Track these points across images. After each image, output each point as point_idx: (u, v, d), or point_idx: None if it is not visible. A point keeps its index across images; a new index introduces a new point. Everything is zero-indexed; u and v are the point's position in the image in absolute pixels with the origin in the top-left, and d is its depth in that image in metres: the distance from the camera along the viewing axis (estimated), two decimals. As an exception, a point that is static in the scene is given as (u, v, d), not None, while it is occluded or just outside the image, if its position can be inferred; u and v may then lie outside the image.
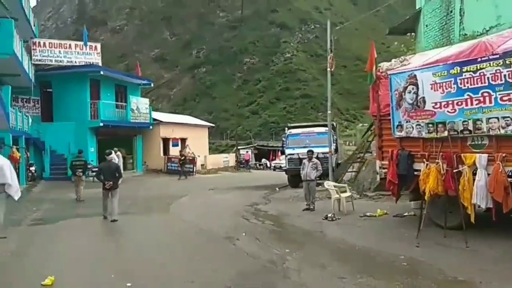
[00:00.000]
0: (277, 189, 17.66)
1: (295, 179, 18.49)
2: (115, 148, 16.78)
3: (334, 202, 9.91)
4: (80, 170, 13.07)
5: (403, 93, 7.59)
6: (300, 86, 75.05)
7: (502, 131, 6.06)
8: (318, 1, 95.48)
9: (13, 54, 14.46)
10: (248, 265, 5.92)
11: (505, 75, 5.92)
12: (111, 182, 9.43)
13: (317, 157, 16.95)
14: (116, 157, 15.15)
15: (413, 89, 7.40)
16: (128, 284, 5.05)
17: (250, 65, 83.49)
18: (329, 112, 16.19)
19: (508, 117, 5.94)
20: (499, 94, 6.03)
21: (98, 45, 23.98)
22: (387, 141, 8.22)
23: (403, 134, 7.71)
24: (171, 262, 6.12)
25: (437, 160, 6.95)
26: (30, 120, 18.42)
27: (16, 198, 7.57)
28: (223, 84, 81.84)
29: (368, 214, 9.23)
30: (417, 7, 15.74)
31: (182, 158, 23.35)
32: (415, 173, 7.53)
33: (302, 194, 14.86)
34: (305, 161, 11.17)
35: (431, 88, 7.06)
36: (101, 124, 20.15)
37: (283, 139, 19.84)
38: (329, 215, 9.30)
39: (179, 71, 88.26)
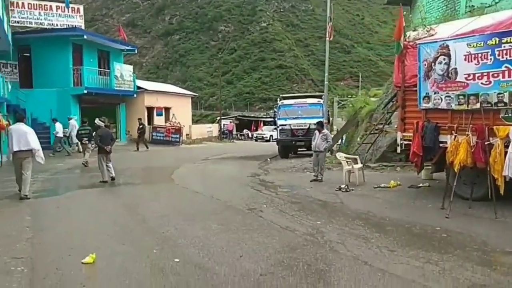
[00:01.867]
0: (268, 159, 17.56)
1: (286, 150, 18.54)
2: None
3: (345, 174, 9.87)
4: (86, 138, 13.85)
5: (433, 64, 7.45)
6: (276, 57, 74.33)
7: (541, 104, 6.05)
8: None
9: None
10: (288, 238, 5.73)
11: (549, 47, 5.84)
12: (109, 147, 10.63)
13: (308, 128, 17.15)
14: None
15: (444, 59, 7.27)
16: (176, 260, 4.76)
17: (225, 34, 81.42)
18: (326, 83, 16.04)
19: (548, 90, 5.92)
20: (541, 66, 5.98)
21: (81, 7, 22.34)
22: (410, 112, 8.12)
23: (430, 105, 7.63)
24: (208, 235, 5.83)
25: (467, 132, 6.94)
26: (10, 86, 17.09)
27: (42, 162, 8.37)
28: (197, 52, 79.67)
29: (382, 185, 9.25)
30: (418, -24, 15.49)
31: (141, 127, 21.38)
32: (441, 145, 7.52)
33: (297, 164, 15.03)
34: (316, 131, 11.01)
35: (465, 59, 6.95)
36: (85, 92, 19.09)
37: (275, 109, 19.61)
38: (343, 186, 9.28)
39: (151, 37, 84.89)
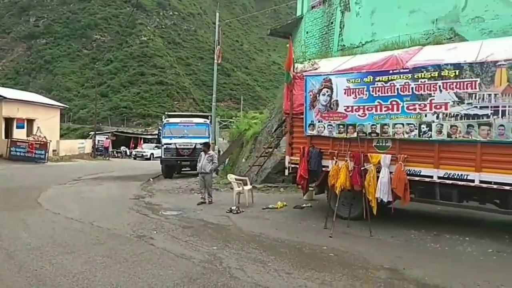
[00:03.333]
0: (151, 179, 16.73)
1: (170, 169, 17.97)
2: None
3: (235, 195, 9.95)
4: None
5: (317, 95, 8.11)
6: (156, 72, 72.60)
7: (406, 136, 7.07)
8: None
9: None
10: (185, 267, 5.42)
11: (412, 88, 6.91)
12: None
13: (194, 148, 16.98)
14: None
15: (327, 91, 7.98)
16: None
17: (101, 43, 76.39)
18: (213, 104, 16.18)
19: (412, 124, 6.97)
20: (406, 104, 7.01)
21: None
22: (298, 138, 8.65)
23: (314, 132, 8.25)
24: (94, 270, 5.12)
25: (346, 158, 7.68)
26: None
27: None
28: (66, 60, 72.76)
29: (270, 206, 9.56)
30: (298, 14, 17.00)
31: None
32: (324, 169, 8.17)
33: (183, 185, 14.66)
34: (202, 153, 10.88)
35: (345, 93, 7.74)
36: None
37: (160, 127, 18.93)
38: (233, 207, 9.32)
39: (11, 39, 74.40)
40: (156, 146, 33.07)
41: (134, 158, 34.55)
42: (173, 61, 77.46)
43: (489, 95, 6.14)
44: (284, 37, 18.30)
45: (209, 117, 18.49)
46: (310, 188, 9.40)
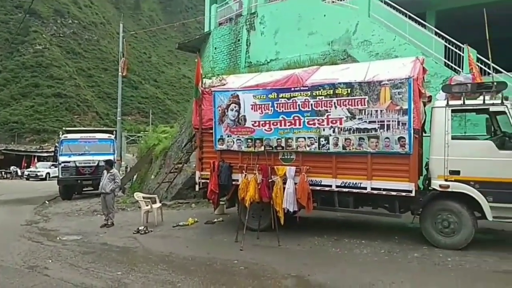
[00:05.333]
0: (46, 202, 15.24)
1: (69, 190, 16.61)
2: None
3: (143, 214, 9.54)
4: None
5: (226, 110, 8.25)
6: (53, 84, 66.67)
7: (307, 149, 7.54)
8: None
9: None
10: (87, 297, 5.04)
11: (311, 104, 7.42)
12: None
13: (97, 165, 15.93)
14: None
15: (235, 107, 8.17)
16: None
17: (-14, 51, 67.84)
18: (118, 118, 15.38)
19: (312, 137, 7.46)
20: (307, 119, 7.49)
21: None
22: (207, 152, 8.65)
23: (224, 147, 8.35)
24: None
25: (254, 171, 7.91)
26: None
27: None
28: None
29: (181, 223, 9.36)
30: (205, 30, 17.19)
31: None
32: (234, 183, 8.29)
33: (85, 206, 13.63)
34: (104, 171, 10.25)
35: (252, 108, 8.01)
36: None
37: (56, 144, 17.37)
38: (141, 228, 8.93)
39: None
40: (52, 165, 30.19)
41: (27, 179, 31.05)
42: (72, 72, 71.98)
43: (376, 111, 6.88)
44: (193, 51, 18.32)
45: (114, 132, 17.53)
46: (222, 202, 9.46)
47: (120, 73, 15.21)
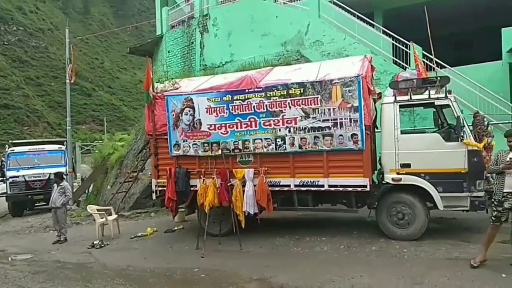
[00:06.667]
0: (-8, 221, 14.27)
1: (19, 206, 15.65)
2: None
3: (98, 227, 9.12)
4: None
5: (180, 115, 8.06)
6: (0, 95, 62.84)
7: (265, 150, 7.51)
8: (22, 1, 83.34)
9: None
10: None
11: (266, 105, 7.40)
12: None
13: (48, 179, 15.11)
14: None
15: (189, 111, 8.00)
16: None
17: None
18: (68, 127, 14.67)
19: (269, 138, 7.45)
20: (262, 120, 7.47)
21: None
22: (163, 159, 8.41)
23: (180, 152, 8.15)
24: None
25: (213, 176, 7.79)
26: None
27: None
28: None
29: (139, 234, 9.04)
30: (158, 33, 16.81)
31: None
32: (192, 188, 8.12)
33: (36, 223, 12.89)
34: (54, 184, 9.71)
35: (207, 112, 7.87)
36: None
37: (2, 158, 16.31)
38: (96, 242, 8.54)
39: None
40: (0, 181, 28.34)
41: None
42: (20, 81, 68.11)
43: (329, 109, 6.97)
44: (146, 55, 17.83)
45: (65, 142, 16.71)
46: (181, 210, 9.22)
47: (68, 80, 14.49)
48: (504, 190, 5.22)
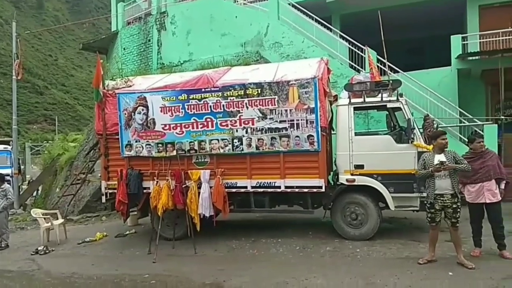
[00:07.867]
0: None
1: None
2: None
3: (43, 232, 8.56)
4: None
5: (132, 113, 7.73)
6: None
7: (221, 151, 7.35)
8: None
9: None
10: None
11: (223, 105, 7.25)
12: None
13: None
14: None
15: (143, 110, 7.68)
16: None
17: None
18: (14, 127, 13.73)
19: (226, 139, 7.30)
20: (219, 120, 7.30)
21: None
22: (114, 160, 8.02)
23: (132, 153, 7.81)
24: None
25: (167, 177, 7.52)
26: None
27: None
28: None
29: (87, 239, 8.56)
30: (113, 29, 16.18)
31: None
32: (145, 191, 7.80)
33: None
34: (-6, 187, 8.98)
35: (161, 111, 7.59)
36: None
37: None
38: (40, 248, 8.00)
39: None
40: None
41: None
42: (-39, 77, 63.67)
43: (286, 110, 6.94)
44: (100, 52, 17.13)
45: (10, 142, 15.67)
46: (134, 213, 8.85)
47: (14, 77, 13.59)
48: (435, 192, 5.41)
